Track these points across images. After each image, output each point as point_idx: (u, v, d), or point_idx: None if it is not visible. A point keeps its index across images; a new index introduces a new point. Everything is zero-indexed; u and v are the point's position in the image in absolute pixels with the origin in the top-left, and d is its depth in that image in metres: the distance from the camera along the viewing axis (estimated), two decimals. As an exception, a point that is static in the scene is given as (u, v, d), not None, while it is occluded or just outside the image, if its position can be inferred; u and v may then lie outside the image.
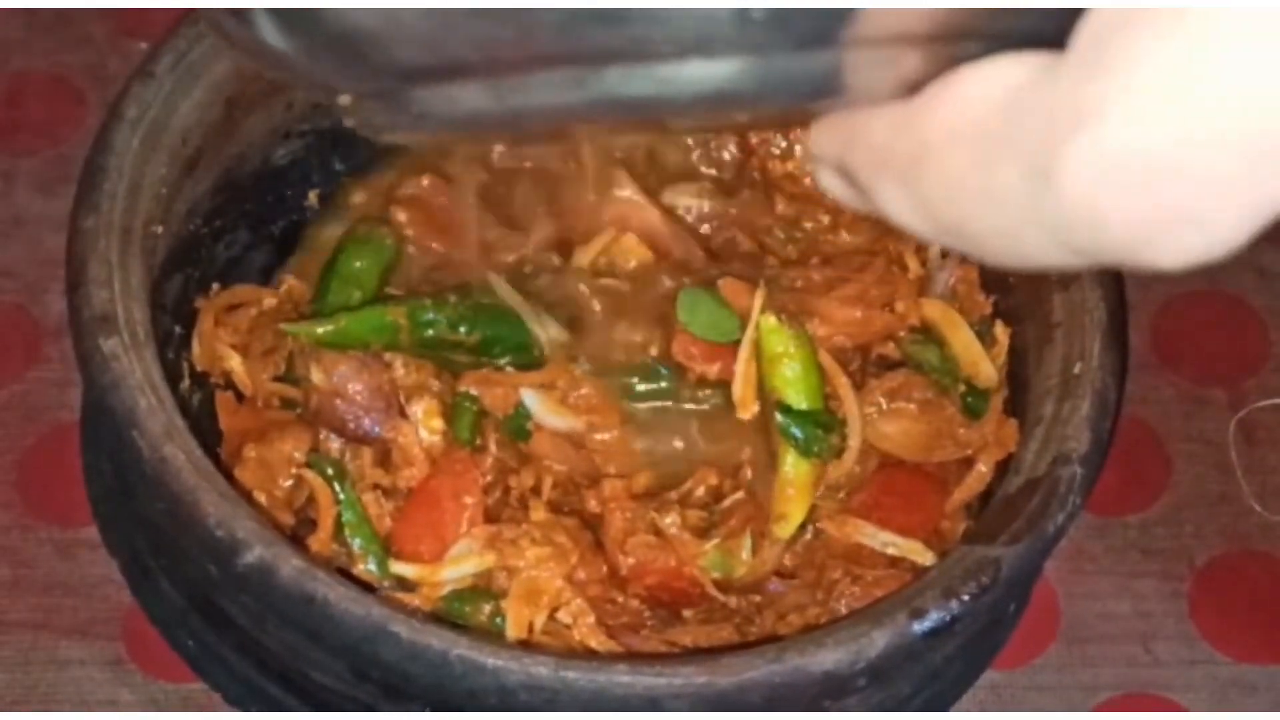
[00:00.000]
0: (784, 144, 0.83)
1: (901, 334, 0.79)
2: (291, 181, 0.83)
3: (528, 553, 0.71)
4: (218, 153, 0.78)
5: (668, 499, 0.75)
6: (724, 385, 0.76)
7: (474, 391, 0.75)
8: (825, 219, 0.83)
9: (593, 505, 0.75)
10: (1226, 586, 0.78)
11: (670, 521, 0.73)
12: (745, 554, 0.74)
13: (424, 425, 0.74)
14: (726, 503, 0.75)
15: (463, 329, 0.77)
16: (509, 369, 0.77)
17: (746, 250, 0.82)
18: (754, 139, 0.84)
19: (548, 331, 0.77)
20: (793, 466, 0.75)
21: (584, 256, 0.81)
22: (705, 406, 0.77)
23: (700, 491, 0.75)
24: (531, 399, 0.76)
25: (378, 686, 0.67)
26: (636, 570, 0.72)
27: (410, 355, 0.76)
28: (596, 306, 0.79)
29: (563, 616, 0.71)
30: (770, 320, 0.75)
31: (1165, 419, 0.79)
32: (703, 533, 0.74)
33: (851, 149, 0.45)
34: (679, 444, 0.77)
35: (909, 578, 0.71)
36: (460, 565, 0.71)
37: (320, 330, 0.76)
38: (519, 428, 0.76)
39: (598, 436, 0.76)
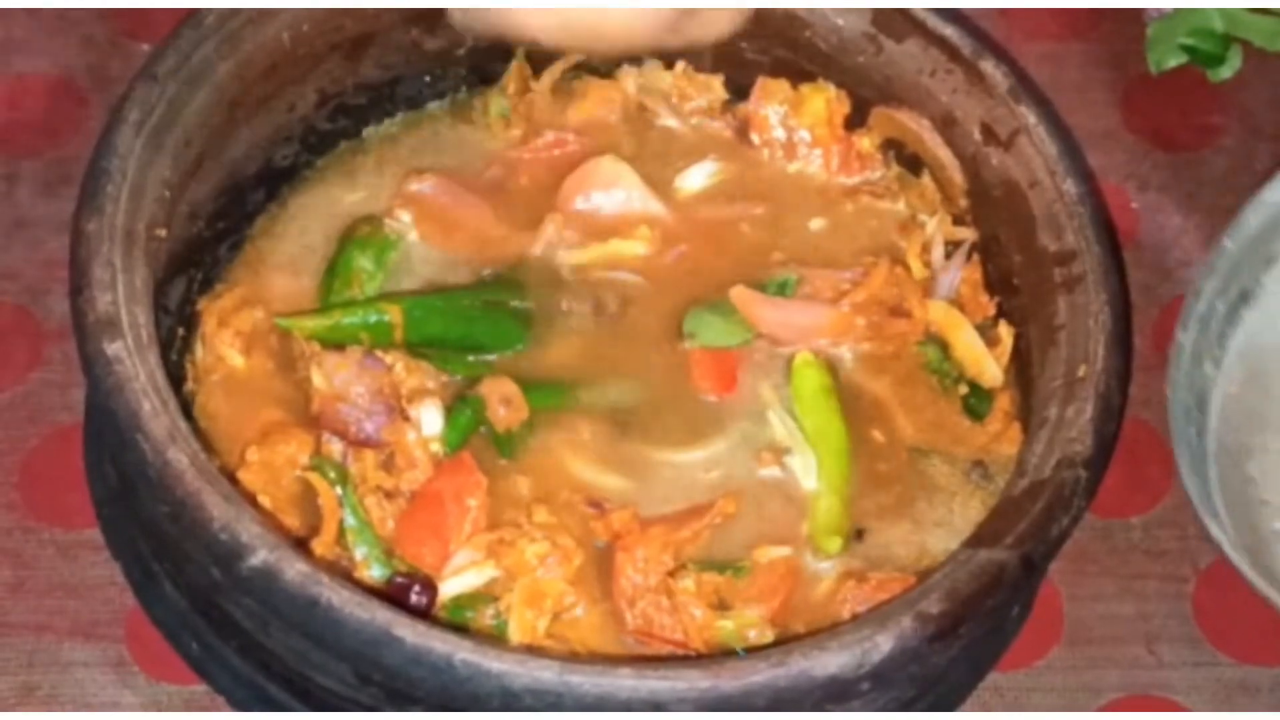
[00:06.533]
0: (783, 134, 0.84)
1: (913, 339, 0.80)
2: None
3: (530, 556, 0.71)
4: (220, 155, 0.78)
5: (685, 561, 0.73)
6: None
7: (481, 394, 0.75)
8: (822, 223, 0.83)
9: (598, 531, 0.73)
10: (1230, 588, 0.77)
11: (686, 585, 0.72)
12: (766, 636, 0.72)
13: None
14: (761, 559, 0.73)
15: (457, 328, 0.77)
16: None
17: (749, 237, 0.82)
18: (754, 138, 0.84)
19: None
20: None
21: (590, 256, 0.81)
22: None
23: (719, 524, 0.74)
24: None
25: (381, 690, 0.67)
26: (641, 628, 0.71)
27: (405, 354, 0.76)
28: (603, 309, 0.79)
29: (566, 619, 0.71)
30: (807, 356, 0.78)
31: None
32: (720, 601, 0.72)
33: None
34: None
35: (913, 580, 0.71)
36: (461, 576, 0.71)
37: (312, 324, 0.76)
38: (514, 444, 0.76)
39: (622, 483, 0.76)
